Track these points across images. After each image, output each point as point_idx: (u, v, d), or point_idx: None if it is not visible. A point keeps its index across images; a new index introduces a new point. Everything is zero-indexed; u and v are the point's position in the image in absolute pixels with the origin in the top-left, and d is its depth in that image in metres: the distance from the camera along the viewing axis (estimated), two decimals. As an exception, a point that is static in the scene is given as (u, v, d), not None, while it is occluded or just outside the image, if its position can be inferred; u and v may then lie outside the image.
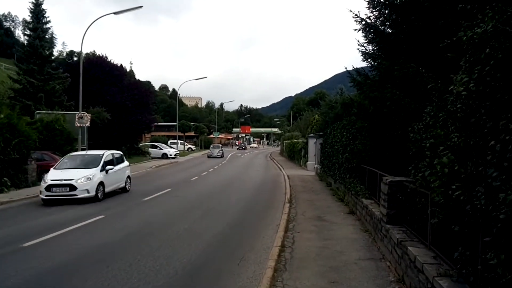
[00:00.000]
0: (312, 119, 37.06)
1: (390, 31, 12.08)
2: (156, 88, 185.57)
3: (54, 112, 28.47)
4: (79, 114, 26.46)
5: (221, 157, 53.71)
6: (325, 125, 23.65)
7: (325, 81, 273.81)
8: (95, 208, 14.77)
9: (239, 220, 12.86)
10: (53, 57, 37.84)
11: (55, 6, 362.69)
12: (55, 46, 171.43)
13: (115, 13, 27.11)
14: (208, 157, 53.08)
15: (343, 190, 16.15)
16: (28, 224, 12.19)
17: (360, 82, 13.98)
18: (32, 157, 21.57)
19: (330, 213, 13.26)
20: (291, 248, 8.95)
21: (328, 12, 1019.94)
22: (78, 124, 26.14)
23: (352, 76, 14.22)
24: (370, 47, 13.70)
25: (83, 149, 26.80)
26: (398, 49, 11.45)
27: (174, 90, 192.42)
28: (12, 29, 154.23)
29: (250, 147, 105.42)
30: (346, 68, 14.56)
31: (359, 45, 13.79)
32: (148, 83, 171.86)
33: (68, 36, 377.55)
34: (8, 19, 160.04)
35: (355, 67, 14.53)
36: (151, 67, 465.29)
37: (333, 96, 33.41)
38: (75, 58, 45.81)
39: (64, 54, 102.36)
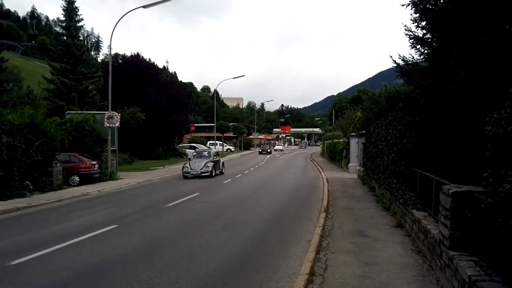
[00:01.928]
0: (354, 116, 34.63)
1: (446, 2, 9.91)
2: (198, 89, 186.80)
3: (84, 112, 27.63)
4: (108, 114, 25.44)
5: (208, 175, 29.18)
6: (368, 122, 21.36)
7: (369, 79, 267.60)
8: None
9: (264, 234, 10.96)
10: (84, 57, 37.35)
11: (99, 10, 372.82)
12: (101, 50, 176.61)
13: (144, 6, 26.30)
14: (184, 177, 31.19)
15: (388, 197, 13.96)
16: (29, 236, 10.79)
17: (408, 70, 11.87)
18: (57, 159, 20.58)
19: (373, 226, 11.12)
20: (322, 276, 6.97)
21: (371, 6, 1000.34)
22: (108, 125, 25.21)
23: (398, 64, 12.10)
24: (419, 32, 11.68)
25: (113, 151, 25.79)
26: (456, 25, 9.29)
27: (215, 91, 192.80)
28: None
29: (275, 149, 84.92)
30: (391, 56, 12.42)
31: (406, 30, 11.83)
32: (190, 84, 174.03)
33: (114, 39, 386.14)
34: (57, 25, 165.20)
35: (401, 55, 12.35)
36: (193, 69, 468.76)
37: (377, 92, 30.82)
38: (120, 61, 45.07)
39: (124, 61, 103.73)
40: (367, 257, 8.11)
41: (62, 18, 37.34)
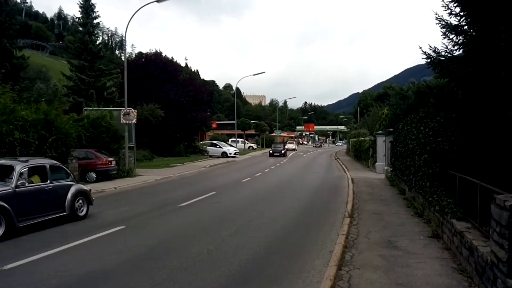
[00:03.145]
0: (380, 113, 33.12)
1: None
2: (220, 87, 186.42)
3: (101, 108, 27.06)
4: (125, 110, 24.72)
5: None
6: (396, 119, 19.95)
7: (395, 76, 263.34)
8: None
9: (280, 241, 9.85)
10: (102, 53, 36.92)
11: (126, 10, 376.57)
12: (125, 48, 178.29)
13: (157, 1, 25.35)
14: None
15: (421, 202, 12.64)
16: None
17: (441, 61, 10.61)
18: (73, 155, 20.06)
19: (404, 234, 9.85)
20: (344, 301, 5.82)
21: (398, 1, 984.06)
22: (124, 121, 24.57)
23: (429, 55, 10.85)
24: (453, 19, 10.43)
25: (130, 148, 25.16)
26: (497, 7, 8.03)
27: (237, 88, 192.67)
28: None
29: (286, 148, 63.24)
30: (420, 47, 11.12)
31: (437, 18, 10.61)
32: (212, 82, 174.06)
33: (137, 38, 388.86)
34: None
35: (432, 46, 11.05)
36: (215, 67, 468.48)
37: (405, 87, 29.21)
38: (144, 60, 44.73)
39: (134, 56, 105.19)
40: (398, 275, 6.89)
41: (79, 15, 37.05)
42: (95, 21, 37.01)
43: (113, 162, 22.77)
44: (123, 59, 41.76)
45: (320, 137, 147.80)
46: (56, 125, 18.29)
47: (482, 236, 6.98)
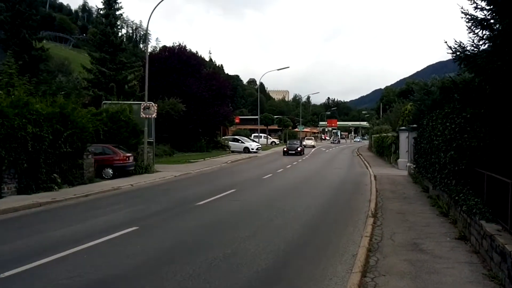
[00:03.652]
0: (403, 109, 32.34)
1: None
2: (244, 82, 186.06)
3: (120, 102, 26.73)
4: (145, 104, 24.49)
5: None
6: (420, 115, 19.29)
7: (417, 72, 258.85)
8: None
9: (300, 243, 9.44)
10: (124, 46, 36.64)
11: (151, 3, 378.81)
12: (149, 42, 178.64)
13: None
14: None
15: (446, 201, 12.12)
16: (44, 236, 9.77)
17: (468, 56, 10.11)
18: (89, 150, 19.72)
19: (430, 236, 9.38)
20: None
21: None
22: (144, 115, 24.29)
23: (455, 49, 10.38)
24: (479, 13, 9.96)
25: (150, 143, 24.91)
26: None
27: (261, 84, 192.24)
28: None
29: (304, 145, 58.21)
30: (445, 42, 10.63)
31: (463, 12, 10.14)
32: (236, 77, 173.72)
33: (162, 32, 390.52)
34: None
35: (458, 41, 10.56)
36: (239, 62, 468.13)
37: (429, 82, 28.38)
38: (167, 53, 44.51)
39: (158, 50, 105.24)
40: (427, 283, 6.45)
41: (101, 6, 36.78)
42: (117, 13, 36.47)
43: (131, 158, 22.45)
44: (147, 52, 41.47)
45: (342, 133, 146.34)
46: (72, 119, 18.07)
47: (515, 240, 6.52)
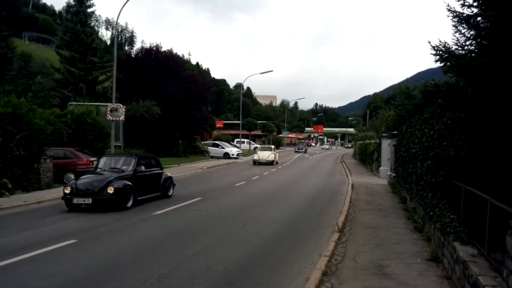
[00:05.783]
0: (387, 115, 31.44)
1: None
2: (231, 86, 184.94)
3: (87, 103, 25.52)
4: (112, 106, 23.21)
5: None
6: (400, 121, 18.32)
7: (407, 79, 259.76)
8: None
9: (253, 262, 8.27)
10: (94, 45, 35.25)
11: (137, 6, 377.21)
12: (135, 45, 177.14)
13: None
14: None
15: (421, 215, 11.04)
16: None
17: (452, 55, 9.08)
18: (47, 154, 18.49)
19: (399, 257, 8.24)
20: None
21: (410, 4, 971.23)
22: (111, 118, 23.00)
23: (438, 47, 9.34)
24: (466, 11, 8.99)
25: (117, 146, 23.69)
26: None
27: (248, 88, 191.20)
28: (96, 28, 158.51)
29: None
30: (429, 42, 9.58)
31: (449, 10, 9.20)
32: (223, 81, 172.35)
33: (149, 35, 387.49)
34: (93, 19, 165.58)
35: (442, 41, 9.54)
36: (227, 66, 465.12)
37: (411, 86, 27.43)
38: (144, 54, 43.19)
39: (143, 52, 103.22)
40: (383, 320, 5.34)
41: (72, 2, 35.61)
42: (89, 10, 35.22)
43: (95, 162, 21.17)
44: (133, 56, 40.04)
45: (329, 139, 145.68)
46: (27, 120, 16.92)
47: (491, 268, 5.45)
